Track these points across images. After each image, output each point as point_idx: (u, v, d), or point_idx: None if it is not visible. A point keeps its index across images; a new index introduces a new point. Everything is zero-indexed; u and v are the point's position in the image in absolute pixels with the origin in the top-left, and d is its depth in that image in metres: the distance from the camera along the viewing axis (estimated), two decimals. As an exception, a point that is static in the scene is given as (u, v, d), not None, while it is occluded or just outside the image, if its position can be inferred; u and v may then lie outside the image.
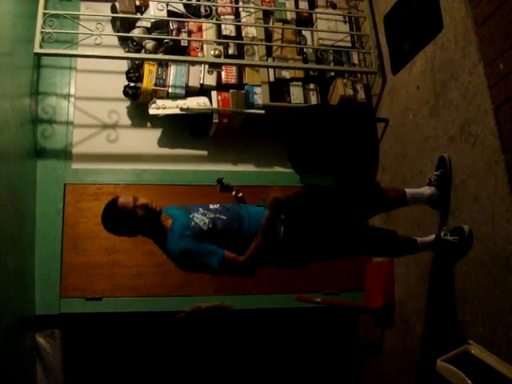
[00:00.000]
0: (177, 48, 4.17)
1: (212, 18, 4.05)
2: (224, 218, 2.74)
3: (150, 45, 4.13)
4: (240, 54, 4.26)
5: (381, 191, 3.17)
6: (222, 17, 4.25)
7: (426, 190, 3.28)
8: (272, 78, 4.26)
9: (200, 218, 2.70)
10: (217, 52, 4.06)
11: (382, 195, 3.14)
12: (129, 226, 2.69)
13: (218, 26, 4.24)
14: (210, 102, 4.15)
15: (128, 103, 4.32)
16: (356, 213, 3.05)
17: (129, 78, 4.15)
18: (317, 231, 2.86)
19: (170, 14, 4.19)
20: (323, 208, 2.92)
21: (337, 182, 4.26)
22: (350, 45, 4.38)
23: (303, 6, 4.53)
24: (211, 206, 2.82)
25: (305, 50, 4.36)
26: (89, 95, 4.29)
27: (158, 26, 4.20)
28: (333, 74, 4.32)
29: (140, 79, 4.12)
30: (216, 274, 2.80)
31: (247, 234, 2.72)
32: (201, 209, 2.78)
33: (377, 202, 3.12)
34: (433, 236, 3.21)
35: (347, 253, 3.02)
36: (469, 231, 3.05)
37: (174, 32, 4.20)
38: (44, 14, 3.72)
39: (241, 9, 4.34)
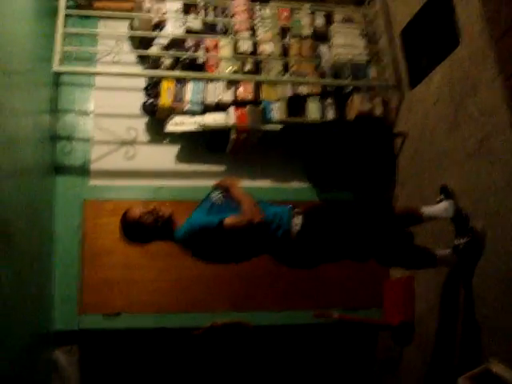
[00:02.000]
0: (194, 65, 4.21)
1: (229, 35, 4.08)
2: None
3: (167, 61, 4.17)
4: (257, 70, 4.28)
5: (392, 214, 3.15)
6: (238, 33, 4.27)
7: (442, 213, 3.24)
8: (289, 94, 4.27)
9: (216, 196, 2.89)
10: (234, 68, 4.09)
11: (393, 218, 3.11)
12: (141, 233, 2.81)
13: (235, 43, 4.27)
14: (228, 118, 4.16)
15: (146, 120, 4.35)
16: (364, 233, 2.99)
17: (147, 95, 4.18)
18: (333, 226, 2.89)
19: (188, 31, 4.23)
20: (336, 220, 2.93)
21: (353, 201, 4.24)
22: (366, 59, 4.36)
23: (320, 21, 4.53)
24: None
25: (322, 65, 4.36)
26: (107, 112, 4.34)
27: (176, 43, 4.23)
28: (350, 89, 4.31)
29: (158, 96, 4.15)
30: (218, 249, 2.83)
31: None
32: None
33: (404, 250, 3.10)
34: (449, 249, 3.20)
35: (359, 253, 2.99)
36: (482, 228, 3.04)
37: (192, 49, 4.23)
38: (63, 32, 3.77)
39: (257, 25, 4.36)
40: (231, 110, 4.18)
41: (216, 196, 2.89)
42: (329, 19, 4.55)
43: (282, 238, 2.81)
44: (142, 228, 2.77)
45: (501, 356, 2.84)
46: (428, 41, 3.76)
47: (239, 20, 4.29)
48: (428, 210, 3.25)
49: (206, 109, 4.22)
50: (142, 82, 4.25)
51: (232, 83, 4.18)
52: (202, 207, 2.88)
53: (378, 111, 4.26)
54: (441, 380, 3.47)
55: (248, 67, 4.26)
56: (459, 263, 3.21)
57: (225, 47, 4.28)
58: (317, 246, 2.86)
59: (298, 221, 2.83)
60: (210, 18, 4.32)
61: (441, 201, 3.32)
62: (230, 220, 2.69)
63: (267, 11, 4.42)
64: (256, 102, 4.25)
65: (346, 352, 4.44)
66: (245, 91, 4.23)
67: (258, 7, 4.40)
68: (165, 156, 4.36)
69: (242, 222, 2.69)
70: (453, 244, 3.21)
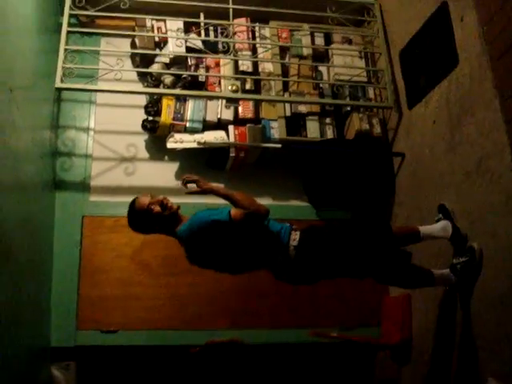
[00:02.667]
0: (195, 83, 4.24)
1: (229, 54, 4.12)
2: None
3: (168, 80, 4.21)
4: (257, 89, 4.32)
5: (390, 234, 3.14)
6: (239, 53, 4.32)
7: (440, 233, 3.27)
8: (288, 113, 4.30)
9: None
10: (234, 87, 4.13)
11: (390, 238, 3.11)
12: (147, 222, 2.86)
13: (236, 62, 4.31)
14: (227, 136, 4.18)
15: (146, 137, 4.38)
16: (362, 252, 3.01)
17: (147, 112, 4.21)
18: (330, 244, 2.92)
19: (189, 50, 4.27)
20: (334, 238, 2.97)
21: (351, 219, 4.26)
22: (365, 80, 4.41)
23: (319, 41, 4.58)
24: None
25: (321, 85, 4.41)
26: (108, 129, 4.36)
27: (177, 61, 4.29)
28: (349, 108, 4.35)
29: (158, 113, 4.18)
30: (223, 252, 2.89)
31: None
32: None
33: (402, 268, 3.13)
34: (447, 270, 3.20)
35: (356, 271, 3.01)
36: (479, 249, 3.05)
37: (192, 67, 4.28)
38: (65, 49, 3.80)
39: (258, 45, 4.41)
40: (231, 128, 4.21)
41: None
42: (328, 39, 4.60)
43: (280, 253, 2.85)
44: (149, 217, 2.82)
45: (498, 375, 2.85)
46: (427, 61, 3.79)
47: (240, 39, 4.33)
48: (426, 229, 3.27)
49: (206, 126, 4.24)
50: (142, 100, 4.28)
51: (232, 102, 4.21)
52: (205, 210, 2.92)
53: (377, 131, 4.29)
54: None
55: (248, 86, 4.29)
56: (457, 283, 3.22)
57: (225, 66, 4.32)
58: (314, 261, 2.88)
59: (295, 236, 2.87)
60: (211, 37, 4.36)
61: (439, 220, 3.34)
62: (235, 211, 2.78)
63: (267, 31, 4.46)
64: (256, 120, 4.28)
65: (343, 371, 4.41)
66: (245, 110, 4.27)
67: (257, 28, 4.45)
68: (165, 173, 4.37)
69: (250, 210, 2.78)
70: (451, 263, 3.22)
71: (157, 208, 2.82)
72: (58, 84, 3.72)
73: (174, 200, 4.17)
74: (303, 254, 2.86)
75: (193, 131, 4.20)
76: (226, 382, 4.21)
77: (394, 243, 3.11)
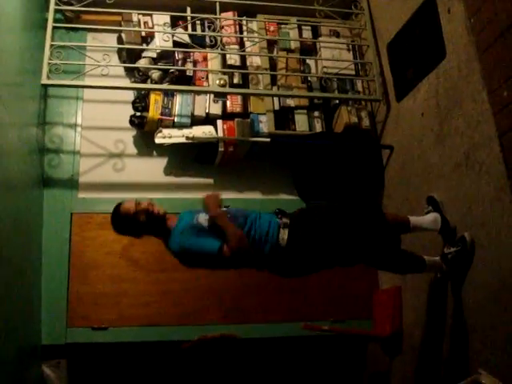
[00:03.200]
0: (182, 78, 4.22)
1: (217, 48, 4.09)
2: (228, 216, 2.83)
3: (155, 75, 4.18)
4: (245, 83, 4.31)
5: (383, 218, 3.17)
6: (226, 47, 4.30)
7: (430, 225, 3.29)
8: (277, 107, 4.29)
9: (203, 218, 2.83)
10: (222, 81, 4.10)
11: (383, 222, 3.14)
12: (132, 229, 2.86)
13: (223, 56, 4.28)
14: (216, 130, 4.17)
15: (134, 132, 4.35)
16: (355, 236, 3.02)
17: (135, 108, 4.18)
18: (319, 233, 2.90)
19: (176, 44, 4.24)
20: (325, 225, 2.96)
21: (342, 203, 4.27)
22: (353, 73, 4.41)
23: (307, 35, 4.57)
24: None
25: (309, 78, 4.40)
26: (95, 125, 4.33)
27: (164, 56, 4.25)
28: (337, 101, 4.34)
29: (146, 109, 4.16)
30: (216, 265, 2.90)
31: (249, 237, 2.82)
32: None
33: (392, 253, 3.14)
34: (438, 257, 3.24)
35: (347, 258, 3.01)
36: (470, 240, 3.06)
37: (180, 62, 4.25)
38: (51, 45, 3.75)
39: (245, 39, 4.39)
40: (219, 122, 4.20)
41: (203, 218, 2.86)
42: (315, 33, 4.59)
43: (270, 253, 2.85)
44: (135, 224, 2.82)
45: (490, 366, 2.86)
46: (414, 53, 3.80)
47: (227, 33, 4.31)
48: (416, 220, 3.28)
49: (195, 121, 4.23)
50: (130, 95, 4.26)
51: (220, 96, 4.19)
52: (191, 226, 2.84)
53: (365, 123, 4.29)
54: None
55: (236, 80, 4.27)
56: (448, 272, 3.23)
57: (213, 60, 4.30)
58: (305, 256, 2.88)
59: (284, 235, 2.85)
60: (198, 31, 4.33)
61: (428, 212, 3.35)
62: (227, 249, 2.73)
63: (254, 25, 4.44)
64: (244, 114, 4.27)
65: (335, 364, 4.43)
66: (233, 104, 4.25)
67: (244, 21, 4.43)
68: (153, 168, 4.36)
69: (233, 249, 2.73)
70: (442, 252, 3.23)
71: (143, 217, 2.80)
72: (44, 80, 3.68)
73: (162, 196, 4.22)
74: (293, 251, 2.86)
75: (181, 126, 4.19)
76: (218, 378, 4.22)
77: (386, 224, 3.11)
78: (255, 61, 4.36)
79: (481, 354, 2.99)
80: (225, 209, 2.93)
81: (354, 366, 4.44)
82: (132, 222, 2.81)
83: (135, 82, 4.22)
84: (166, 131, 4.15)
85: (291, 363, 4.38)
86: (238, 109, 4.27)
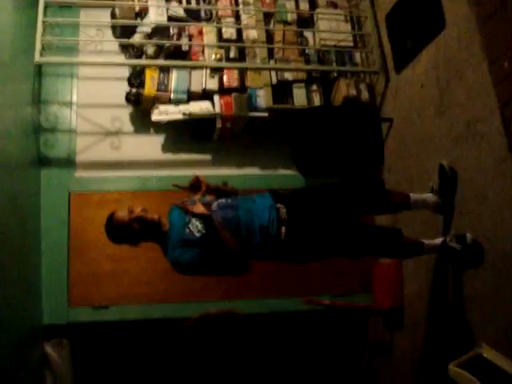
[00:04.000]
0: (178, 53, 4.16)
1: (212, 22, 4.03)
2: (220, 219, 2.72)
3: (150, 50, 4.12)
4: (241, 56, 4.23)
5: (383, 188, 3.18)
6: (222, 20, 4.22)
7: (431, 198, 3.26)
8: (274, 81, 4.23)
9: (194, 225, 2.73)
10: (218, 56, 4.06)
11: (383, 192, 3.15)
12: (127, 238, 2.77)
13: (219, 30, 4.22)
14: (213, 106, 4.12)
15: (130, 109, 4.30)
16: (356, 206, 3.04)
17: (131, 84, 4.13)
18: (319, 227, 2.87)
19: (170, 18, 4.16)
20: (324, 199, 2.95)
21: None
22: (352, 44, 4.35)
23: (304, 6, 4.48)
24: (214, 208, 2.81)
25: (307, 51, 4.32)
26: (91, 102, 4.28)
27: (159, 31, 4.18)
28: (335, 74, 4.28)
29: (142, 85, 4.10)
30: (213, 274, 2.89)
31: (245, 230, 2.76)
32: None
33: (378, 197, 3.11)
34: (439, 240, 3.18)
35: (350, 251, 3.00)
36: (471, 240, 3.02)
37: (175, 36, 4.18)
38: (43, 22, 3.69)
39: (241, 11, 4.31)
40: (216, 97, 4.14)
41: (194, 227, 2.77)
42: (313, 4, 4.50)
43: (270, 244, 2.81)
44: (130, 233, 2.74)
45: (491, 340, 2.86)
46: (413, 24, 3.73)
47: (222, 6, 4.23)
48: (417, 195, 3.26)
49: (191, 97, 4.17)
50: (125, 72, 4.19)
51: (217, 71, 4.14)
52: (182, 241, 2.75)
53: (364, 96, 4.24)
54: (432, 363, 3.49)
55: (232, 54, 4.21)
56: (446, 257, 3.25)
57: (209, 34, 4.23)
58: (305, 241, 2.84)
59: (282, 230, 2.80)
60: (193, 4, 4.25)
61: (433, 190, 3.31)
62: None
63: (250, -4, 4.36)
64: (242, 89, 4.21)
65: (336, 338, 4.45)
66: (230, 78, 4.19)
67: (240, -8, 4.35)
68: (151, 146, 4.32)
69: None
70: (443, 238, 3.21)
71: (137, 225, 2.71)
72: (38, 58, 3.62)
73: (159, 173, 4.19)
74: (291, 241, 2.81)
75: (178, 102, 4.13)
76: (220, 354, 4.25)
77: (385, 198, 3.12)
78: (251, 34, 4.28)
79: (482, 327, 2.99)
80: (215, 203, 2.84)
81: (355, 339, 4.47)
82: (127, 231, 2.73)
83: (130, 57, 4.15)
84: (162, 108, 4.10)
85: (292, 338, 4.41)
86: (235, 83, 4.20)
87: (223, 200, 2.87)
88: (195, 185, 2.94)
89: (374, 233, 3.04)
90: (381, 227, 3.19)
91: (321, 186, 3.08)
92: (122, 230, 2.74)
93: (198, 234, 2.70)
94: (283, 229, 2.79)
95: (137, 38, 4.13)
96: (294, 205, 2.88)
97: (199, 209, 2.60)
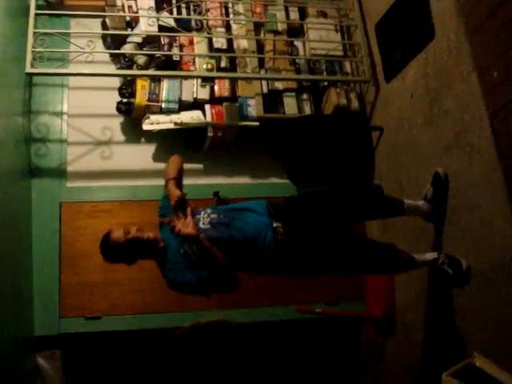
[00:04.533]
0: (169, 62, 4.15)
1: (203, 32, 4.04)
2: (215, 236, 2.68)
3: (141, 60, 4.11)
4: (232, 66, 4.25)
5: (381, 194, 3.21)
6: (213, 30, 4.23)
7: (424, 206, 3.28)
8: (265, 90, 4.25)
9: (190, 245, 2.66)
10: (209, 66, 4.07)
11: (381, 195, 3.19)
12: (123, 258, 2.74)
13: (210, 39, 4.23)
14: (204, 115, 4.13)
15: (121, 119, 4.30)
16: (352, 210, 3.05)
17: (121, 94, 4.13)
18: (316, 244, 2.85)
19: (161, 28, 4.16)
20: (322, 210, 2.94)
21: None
22: (342, 54, 4.37)
23: (294, 16, 4.51)
24: (202, 226, 2.73)
25: (297, 60, 4.35)
26: (82, 112, 4.28)
27: (149, 40, 4.18)
28: (326, 83, 4.31)
29: (133, 95, 4.10)
30: (206, 293, 2.82)
31: (240, 248, 2.72)
32: None
33: (375, 201, 3.13)
34: (431, 256, 3.20)
35: (346, 267, 2.99)
36: (466, 268, 3.03)
37: (166, 46, 4.18)
38: (34, 32, 3.68)
39: (232, 21, 4.33)
40: (208, 107, 4.15)
41: (189, 248, 2.68)
42: (302, 14, 4.53)
43: (269, 262, 2.80)
44: (126, 253, 2.71)
45: (483, 348, 2.88)
46: (403, 34, 3.76)
47: (213, 16, 4.24)
48: (410, 201, 3.28)
49: (183, 107, 4.18)
50: (116, 82, 4.21)
51: (208, 80, 4.15)
52: (178, 262, 2.70)
53: (355, 105, 4.27)
54: (425, 371, 3.51)
55: (223, 64, 4.22)
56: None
57: (199, 44, 4.24)
58: (300, 255, 2.82)
59: (280, 250, 2.77)
60: (184, 14, 4.26)
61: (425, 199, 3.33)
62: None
63: (240, 7, 4.37)
64: (232, 98, 4.22)
65: (329, 346, 4.46)
66: (221, 88, 4.21)
67: (230, 3, 4.35)
68: (142, 155, 4.32)
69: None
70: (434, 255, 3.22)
71: (133, 246, 2.66)
72: (29, 69, 3.61)
73: (151, 182, 4.18)
74: (287, 254, 2.79)
75: (169, 112, 4.14)
76: (212, 363, 4.24)
77: (382, 201, 3.16)
78: (242, 44, 4.29)
79: (473, 335, 3.01)
80: (206, 219, 2.77)
81: (348, 347, 4.47)
82: (123, 251, 2.70)
83: (121, 67, 4.15)
84: (153, 117, 4.10)
85: (284, 347, 4.40)
86: (226, 93, 4.22)
87: (215, 215, 2.79)
88: (180, 204, 2.71)
89: (371, 250, 3.02)
90: (377, 243, 3.16)
91: (319, 196, 3.06)
92: (118, 251, 2.70)
93: (194, 257, 2.63)
94: (280, 250, 2.75)
95: (127, 48, 4.12)
96: (292, 222, 2.84)
97: (186, 230, 2.54)
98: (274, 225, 2.79)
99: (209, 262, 2.60)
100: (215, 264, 2.60)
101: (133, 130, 4.28)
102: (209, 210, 2.82)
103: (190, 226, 2.54)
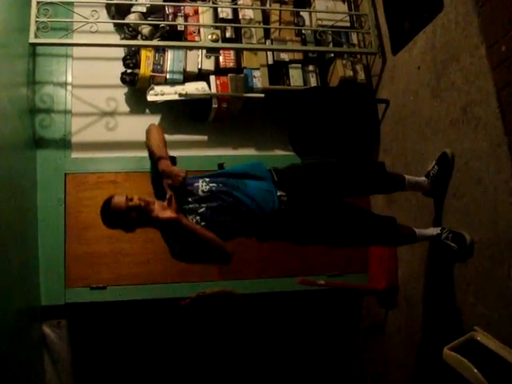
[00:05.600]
0: (173, 33, 4.12)
1: (208, 1, 3.99)
2: (215, 204, 2.72)
3: (146, 30, 4.08)
4: (237, 37, 4.20)
5: (384, 171, 3.19)
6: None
7: (425, 182, 3.29)
8: (271, 61, 4.20)
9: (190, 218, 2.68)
10: (214, 36, 4.03)
11: (383, 172, 3.17)
12: (124, 224, 2.71)
13: (215, 9, 4.17)
14: (209, 86, 4.10)
15: (126, 90, 4.28)
16: (355, 184, 3.07)
17: (126, 65, 4.10)
18: (318, 213, 2.87)
19: (166, -3, 4.12)
20: (325, 180, 2.95)
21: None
22: (348, 25, 4.29)
23: (300, -15, 4.45)
24: (201, 194, 2.75)
25: (303, 31, 4.29)
26: (86, 83, 4.25)
27: (154, 10, 4.15)
28: (332, 55, 4.26)
29: (137, 65, 4.08)
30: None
31: (243, 212, 2.74)
32: (190, 199, 2.74)
33: (377, 175, 3.14)
34: (433, 231, 3.23)
35: (345, 238, 3.01)
36: (470, 241, 3.04)
37: (170, 16, 4.14)
38: (38, 2, 3.64)
39: (237, -10, 4.27)
40: (212, 78, 4.12)
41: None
42: (309, -17, 4.47)
43: (270, 225, 2.80)
44: (127, 220, 2.67)
45: (483, 321, 2.91)
46: (411, 6, 3.70)
47: (218, -15, 4.19)
48: (411, 177, 3.28)
49: (187, 78, 4.15)
50: (120, 52, 4.16)
51: (212, 51, 4.11)
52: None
53: (361, 77, 4.23)
54: (426, 343, 3.54)
55: (228, 34, 4.17)
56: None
57: (205, 14, 4.19)
58: (302, 222, 2.85)
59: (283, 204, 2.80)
60: (189, -17, 4.21)
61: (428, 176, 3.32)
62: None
63: (246, -25, 4.31)
64: (238, 69, 4.19)
65: (331, 318, 4.50)
66: (226, 59, 4.17)
67: (236, -28, 4.30)
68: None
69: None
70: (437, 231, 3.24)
71: (134, 214, 2.62)
72: (32, 39, 3.59)
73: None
74: (289, 218, 2.81)
75: (173, 83, 4.11)
76: (216, 333, 4.29)
77: (384, 175, 3.15)
78: (248, 14, 4.24)
79: (474, 308, 3.02)
80: (205, 186, 2.77)
81: (350, 319, 4.52)
82: (123, 217, 2.65)
83: (125, 38, 4.11)
84: (158, 88, 4.08)
85: (288, 318, 4.45)
86: (231, 64, 4.19)
87: (214, 184, 2.78)
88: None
89: (371, 222, 3.04)
90: (377, 216, 3.17)
91: (323, 167, 3.04)
92: (117, 216, 2.66)
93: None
94: (281, 218, 2.78)
95: (132, 18, 4.09)
96: (296, 191, 2.85)
97: (165, 214, 2.57)
98: (278, 193, 2.81)
99: (196, 242, 2.62)
100: (203, 243, 2.62)
101: (137, 100, 4.25)
102: (207, 179, 2.81)
103: (167, 212, 2.58)
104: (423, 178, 3.30)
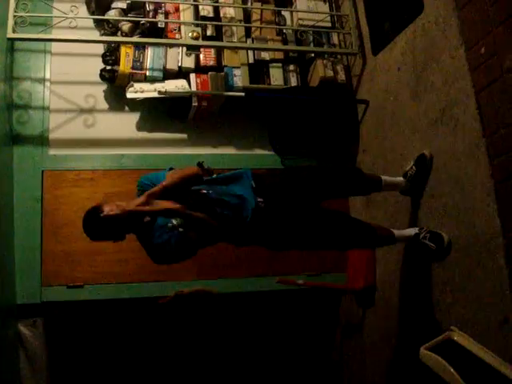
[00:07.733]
0: (154, 30, 4.09)
1: (189, -1, 3.98)
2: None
3: (126, 27, 4.05)
4: (218, 35, 4.18)
5: (362, 175, 3.22)
6: (199, -3, 4.17)
7: (402, 183, 3.33)
8: (251, 60, 4.20)
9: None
10: (195, 34, 4.02)
11: (361, 177, 3.20)
12: (114, 234, 2.66)
13: (196, 7, 4.16)
14: (189, 84, 4.08)
15: (105, 87, 4.24)
16: (332, 189, 3.10)
17: (105, 61, 4.06)
18: (292, 214, 2.88)
19: (147, -6, 4.10)
20: (301, 180, 2.98)
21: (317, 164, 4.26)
22: (329, 25, 4.31)
23: (281, -15, 4.45)
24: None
25: (284, 30, 4.29)
26: (65, 79, 4.19)
27: (134, 7, 4.12)
28: (313, 55, 4.26)
29: (117, 62, 4.04)
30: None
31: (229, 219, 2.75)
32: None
33: (355, 180, 3.17)
34: (411, 231, 3.26)
35: (325, 243, 3.04)
36: (448, 241, 3.07)
37: (151, 13, 4.10)
38: (16, -3, 3.61)
39: (218, -12, 4.26)
40: (192, 76, 4.10)
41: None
42: (291, -18, 4.47)
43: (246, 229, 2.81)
44: (123, 227, 2.64)
45: (460, 320, 2.93)
46: (391, 6, 3.73)
47: (200, -18, 4.17)
48: (387, 178, 3.31)
49: (167, 75, 4.13)
50: (100, 48, 4.12)
51: (193, 49, 4.09)
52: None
53: (341, 77, 4.24)
54: (404, 342, 3.56)
55: (209, 32, 4.15)
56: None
57: (185, 11, 4.17)
58: (279, 228, 2.86)
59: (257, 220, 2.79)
60: (170, -20, 4.19)
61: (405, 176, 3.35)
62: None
63: (228, -27, 4.30)
64: (218, 68, 4.18)
65: (309, 317, 4.51)
66: (206, 57, 4.15)
67: (217, -30, 4.28)
68: (125, 124, 4.26)
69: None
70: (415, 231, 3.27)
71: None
72: (10, 34, 3.53)
73: (134, 152, 4.16)
74: (266, 225, 2.83)
75: (153, 80, 4.08)
76: (194, 332, 4.28)
77: (360, 177, 3.18)
78: (229, 12, 4.23)
79: (452, 307, 3.05)
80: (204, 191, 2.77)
81: (328, 319, 4.53)
82: (118, 225, 2.60)
83: (105, 34, 4.07)
84: (137, 85, 4.05)
85: (265, 317, 4.45)
86: (211, 62, 4.17)
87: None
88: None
89: (349, 227, 3.05)
90: (355, 220, 3.20)
91: (301, 174, 3.07)
92: (112, 225, 2.59)
93: (181, 229, 2.64)
94: (257, 223, 2.77)
95: (112, 14, 4.06)
96: (273, 197, 2.86)
97: (169, 205, 2.63)
98: (257, 199, 2.81)
99: (197, 225, 2.64)
100: (202, 223, 2.65)
101: (116, 98, 4.21)
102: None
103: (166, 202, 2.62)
104: (400, 179, 3.33)
